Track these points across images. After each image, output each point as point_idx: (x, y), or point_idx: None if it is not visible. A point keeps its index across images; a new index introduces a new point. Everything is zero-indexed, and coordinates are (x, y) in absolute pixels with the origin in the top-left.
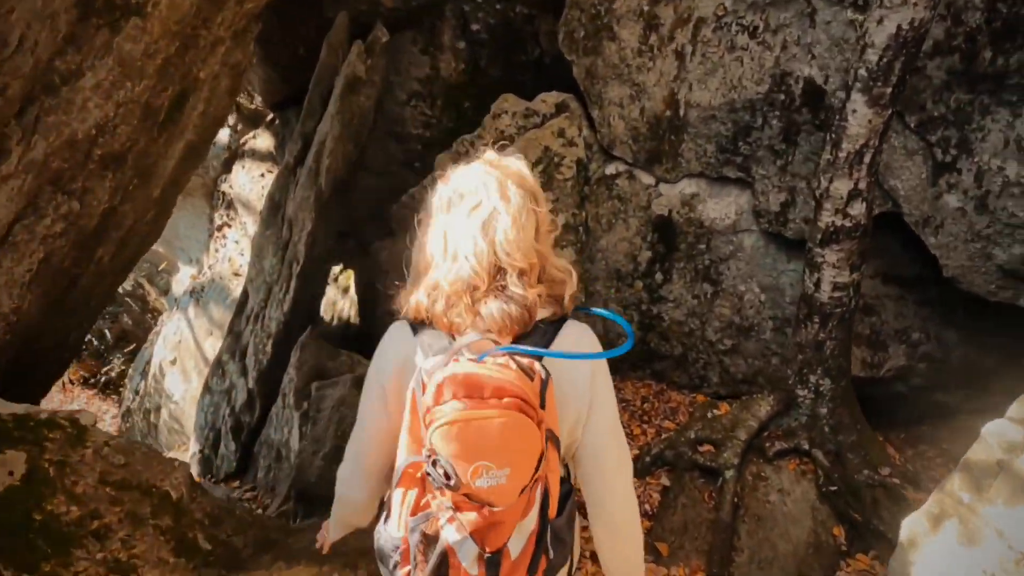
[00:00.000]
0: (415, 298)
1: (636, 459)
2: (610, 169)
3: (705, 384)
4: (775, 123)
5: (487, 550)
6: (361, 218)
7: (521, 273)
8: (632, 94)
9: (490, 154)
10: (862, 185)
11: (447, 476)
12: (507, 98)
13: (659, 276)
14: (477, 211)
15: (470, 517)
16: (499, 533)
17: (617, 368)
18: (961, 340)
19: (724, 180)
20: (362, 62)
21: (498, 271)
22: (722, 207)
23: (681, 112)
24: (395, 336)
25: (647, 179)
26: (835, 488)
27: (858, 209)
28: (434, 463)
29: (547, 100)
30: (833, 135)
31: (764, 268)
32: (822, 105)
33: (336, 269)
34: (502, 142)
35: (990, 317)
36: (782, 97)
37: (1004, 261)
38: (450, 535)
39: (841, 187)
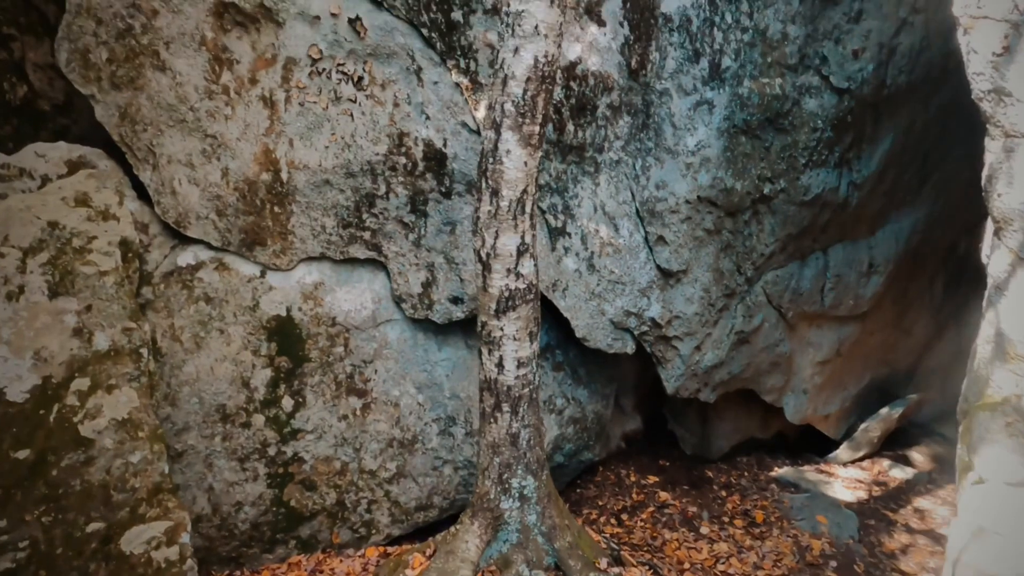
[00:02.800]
0: None
1: None
2: (186, 258)
3: (374, 531)
4: (401, 191)
5: None
6: None
7: None
8: (206, 149)
9: None
10: (528, 239)
11: None
12: None
13: (288, 402)
14: None
15: None
16: None
17: (242, 557)
18: (590, 397)
19: (353, 262)
20: None
21: None
22: (356, 296)
23: (284, 175)
24: None
25: (248, 268)
26: None
27: (528, 267)
28: None
29: (49, 154)
30: (490, 182)
31: (417, 363)
32: (446, 171)
33: None
34: None
35: (603, 370)
36: (404, 160)
37: (612, 315)
38: None
39: (509, 243)
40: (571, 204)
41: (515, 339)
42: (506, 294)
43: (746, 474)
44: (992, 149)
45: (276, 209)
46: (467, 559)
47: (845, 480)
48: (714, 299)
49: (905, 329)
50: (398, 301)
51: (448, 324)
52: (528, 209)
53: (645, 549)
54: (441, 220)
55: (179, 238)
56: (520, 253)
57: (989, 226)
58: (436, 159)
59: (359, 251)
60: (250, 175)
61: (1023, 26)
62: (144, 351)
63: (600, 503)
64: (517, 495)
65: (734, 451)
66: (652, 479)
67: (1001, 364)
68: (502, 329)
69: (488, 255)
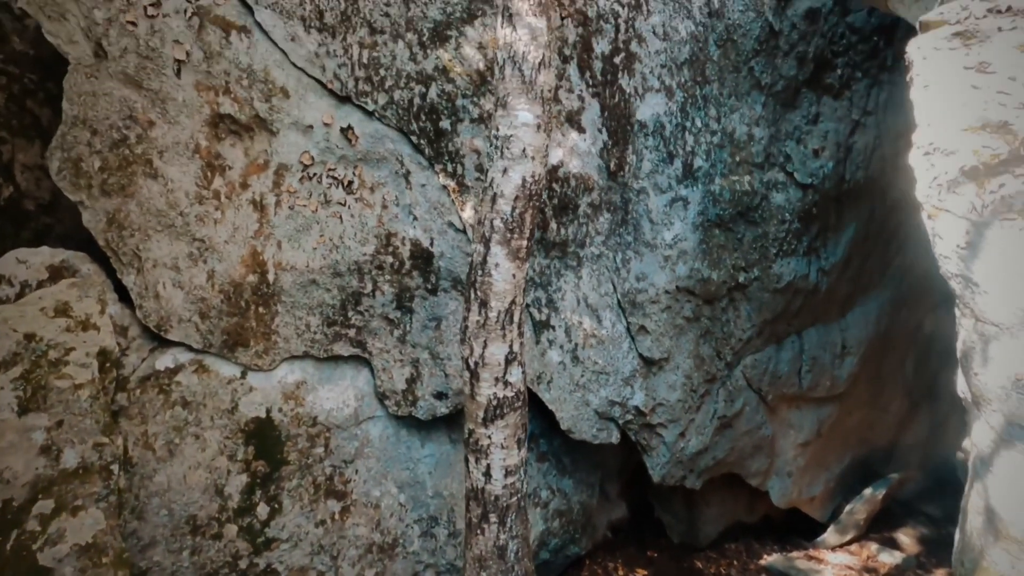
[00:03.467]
0: None
1: None
2: (165, 361)
3: None
4: (387, 288)
5: None
6: None
7: None
8: (193, 253)
9: None
10: (516, 347)
11: None
12: None
13: (263, 509)
14: None
15: None
16: None
17: None
18: (575, 487)
19: (336, 360)
20: None
21: None
22: (338, 394)
23: (271, 276)
24: None
25: (228, 370)
26: None
27: (516, 376)
28: None
29: (30, 260)
30: (478, 293)
31: (399, 461)
32: (432, 269)
33: None
34: None
35: (588, 457)
36: (391, 260)
37: (597, 405)
38: None
39: (497, 352)
40: (555, 297)
41: (503, 447)
42: (494, 403)
43: (735, 563)
44: (964, 325)
45: (261, 310)
46: None
47: (835, 567)
48: (696, 385)
49: (882, 407)
50: (381, 398)
51: (431, 420)
52: (516, 319)
53: None
54: (427, 316)
55: (158, 340)
56: (508, 362)
57: (962, 358)
58: (423, 257)
59: (343, 348)
60: (236, 277)
61: (982, 225)
62: (115, 467)
63: None
64: None
65: (722, 537)
66: (641, 573)
67: (994, 541)
68: (490, 438)
69: (476, 364)
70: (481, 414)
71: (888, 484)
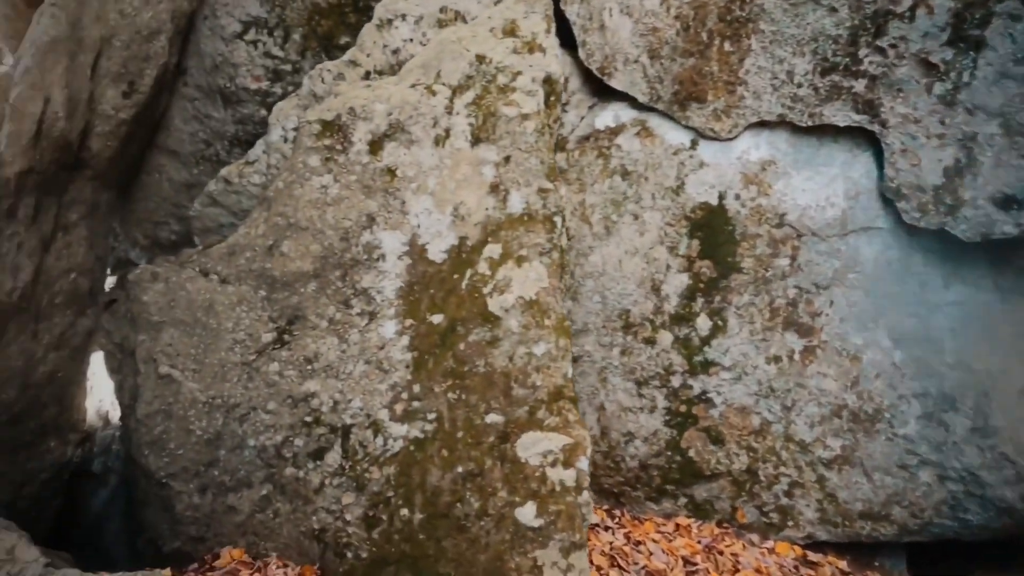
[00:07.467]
0: None
1: None
2: (605, 119)
3: (790, 522)
4: (938, 4)
5: None
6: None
7: None
8: None
9: None
10: None
11: None
12: None
13: (703, 322)
14: None
15: None
16: None
17: (624, 496)
18: None
19: (823, 133)
20: None
21: None
22: (820, 186)
23: None
24: None
25: (676, 136)
26: None
27: None
28: None
29: None
30: None
31: (902, 301)
32: None
33: None
34: None
35: None
36: None
37: None
38: None
39: None
40: None
41: None
42: None
43: None
44: None
45: (727, 46)
46: None
47: None
48: None
49: None
50: (891, 197)
51: (973, 246)
52: None
53: None
54: (1010, 56)
55: (599, 96)
56: None
57: None
58: None
59: (839, 114)
60: None
61: None
62: (558, 220)
63: None
64: None
65: None
66: None
67: None
68: None
69: None
70: None
71: None
